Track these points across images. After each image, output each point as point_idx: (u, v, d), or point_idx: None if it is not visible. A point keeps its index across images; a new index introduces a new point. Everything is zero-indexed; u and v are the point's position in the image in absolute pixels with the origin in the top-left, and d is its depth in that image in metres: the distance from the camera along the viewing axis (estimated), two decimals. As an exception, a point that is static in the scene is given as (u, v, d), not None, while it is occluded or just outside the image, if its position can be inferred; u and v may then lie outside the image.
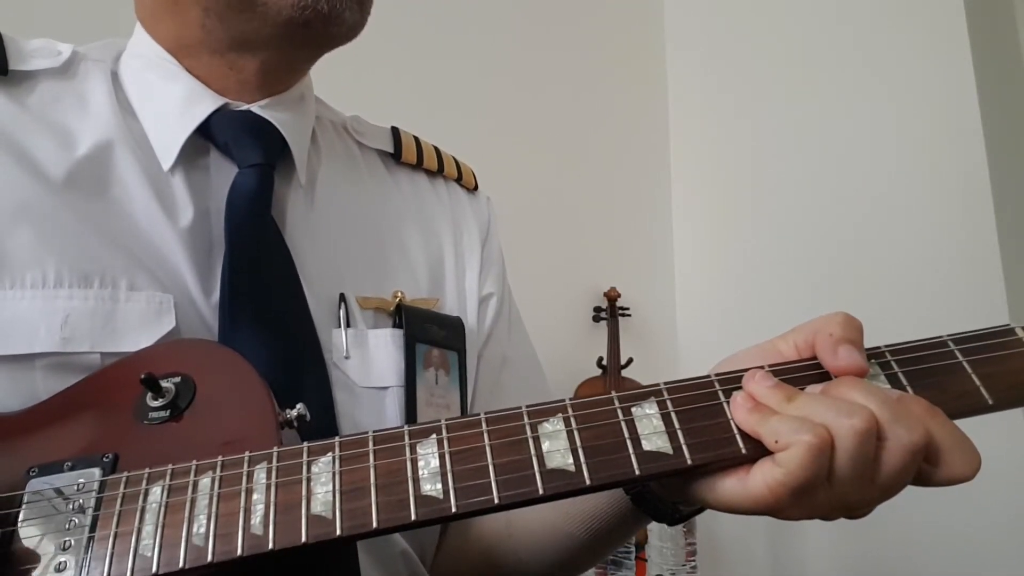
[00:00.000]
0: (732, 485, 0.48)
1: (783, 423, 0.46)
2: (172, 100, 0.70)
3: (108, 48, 0.74)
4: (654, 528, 1.96)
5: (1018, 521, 1.78)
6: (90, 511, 0.48)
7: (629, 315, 2.44)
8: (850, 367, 0.49)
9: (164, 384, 0.54)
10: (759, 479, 0.46)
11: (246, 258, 0.65)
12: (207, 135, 0.70)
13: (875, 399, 0.46)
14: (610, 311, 2.41)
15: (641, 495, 0.57)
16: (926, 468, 0.47)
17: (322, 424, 0.62)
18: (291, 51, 0.71)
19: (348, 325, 0.70)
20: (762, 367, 0.51)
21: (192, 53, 0.70)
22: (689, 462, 0.47)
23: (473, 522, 0.76)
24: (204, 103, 0.69)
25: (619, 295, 2.43)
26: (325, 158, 0.79)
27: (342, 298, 0.71)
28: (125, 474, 0.49)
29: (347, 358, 0.69)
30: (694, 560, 1.98)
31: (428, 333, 0.73)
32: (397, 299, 0.74)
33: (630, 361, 2.34)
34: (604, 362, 2.34)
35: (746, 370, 0.50)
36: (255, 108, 0.71)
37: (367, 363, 0.70)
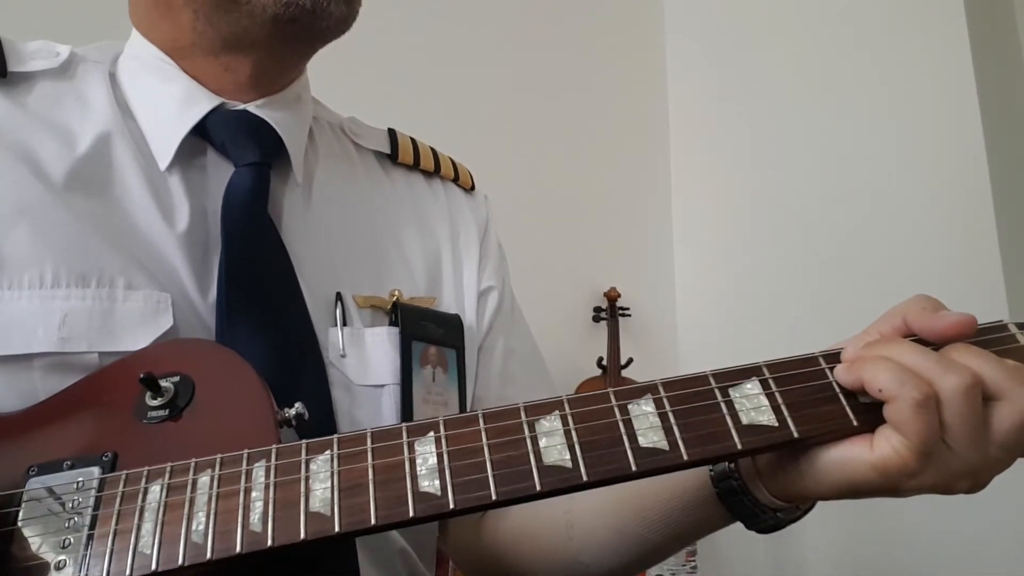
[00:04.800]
0: (858, 453, 0.48)
1: (887, 371, 0.47)
2: (169, 100, 0.70)
3: (106, 50, 0.74)
4: (654, 528, 1.95)
5: (1018, 522, 1.78)
6: (89, 510, 0.48)
7: (629, 315, 2.45)
8: (960, 323, 0.49)
9: (163, 383, 0.54)
10: (885, 446, 0.47)
11: (243, 257, 0.65)
12: (204, 135, 0.70)
13: (988, 361, 0.47)
14: (610, 311, 2.41)
15: (739, 503, 0.56)
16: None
17: (320, 423, 0.62)
18: (282, 49, 0.71)
19: (344, 324, 0.70)
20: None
21: (187, 55, 0.70)
22: (685, 458, 0.47)
23: (528, 522, 0.73)
24: (200, 103, 0.70)
25: (619, 295, 2.44)
26: (322, 158, 0.79)
27: (339, 297, 0.71)
28: (124, 473, 0.49)
29: (344, 356, 0.69)
30: (694, 560, 1.98)
31: (425, 331, 0.73)
32: (394, 298, 0.74)
33: (630, 361, 2.34)
34: (604, 362, 2.34)
35: (740, 367, 0.51)
36: (251, 108, 0.71)
37: (364, 361, 0.70)
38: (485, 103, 2.33)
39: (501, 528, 0.75)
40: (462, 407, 0.74)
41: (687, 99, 2.78)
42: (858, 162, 2.22)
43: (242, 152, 0.70)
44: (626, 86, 2.72)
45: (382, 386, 0.70)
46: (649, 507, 0.63)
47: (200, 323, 0.64)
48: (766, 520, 0.56)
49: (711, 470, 0.57)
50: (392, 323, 0.73)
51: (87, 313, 0.60)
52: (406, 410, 0.69)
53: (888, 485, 0.48)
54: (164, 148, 0.69)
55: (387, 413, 0.69)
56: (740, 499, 0.56)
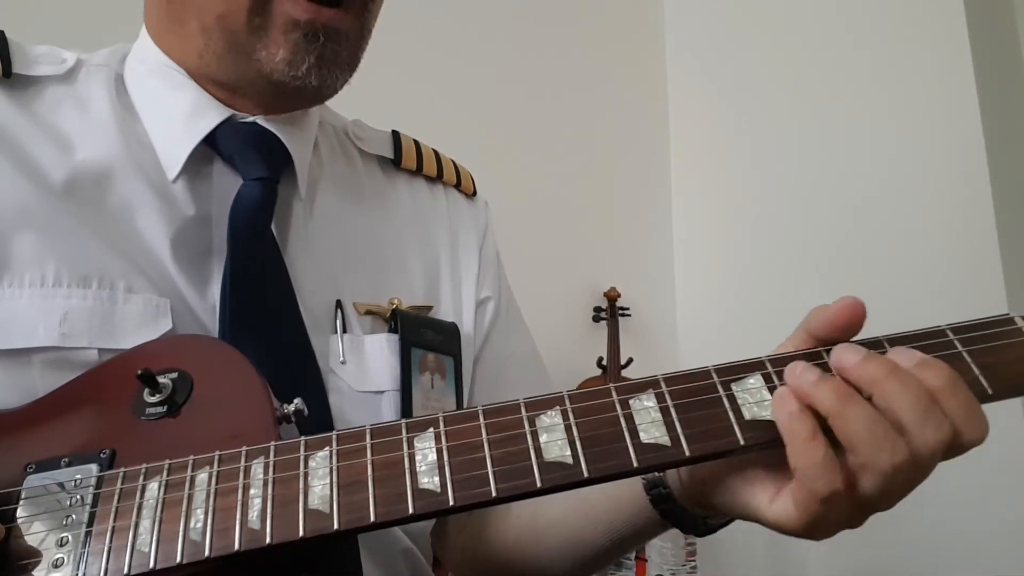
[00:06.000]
0: (756, 504, 0.49)
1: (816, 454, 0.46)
2: (178, 109, 0.70)
3: (114, 53, 0.75)
4: (654, 528, 1.95)
5: (1019, 521, 1.78)
6: (87, 507, 0.48)
7: (629, 315, 2.44)
8: (844, 306, 0.50)
9: (161, 380, 0.54)
10: (780, 509, 0.48)
11: (246, 272, 0.66)
12: (212, 145, 0.70)
13: (907, 398, 0.45)
14: (610, 311, 2.41)
15: (669, 510, 0.57)
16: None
17: (318, 427, 0.62)
18: (285, 102, 0.72)
19: (344, 331, 0.70)
20: (801, 358, 0.50)
21: (194, 71, 0.71)
22: (687, 453, 0.47)
23: (493, 527, 0.75)
24: (210, 115, 0.70)
25: (619, 295, 2.43)
26: (326, 167, 0.79)
27: (339, 305, 0.71)
28: (122, 470, 0.49)
29: (343, 363, 0.69)
30: (694, 560, 1.98)
31: (423, 338, 0.74)
32: (393, 305, 0.74)
33: (630, 361, 2.33)
34: (604, 362, 2.33)
35: (743, 362, 0.50)
36: (260, 120, 0.71)
37: (363, 368, 0.70)
38: (486, 104, 2.33)
39: (495, 531, 0.76)
40: None
41: (687, 99, 2.78)
42: (858, 162, 2.22)
43: (250, 166, 0.70)
44: (626, 87, 2.72)
45: (381, 392, 0.71)
46: (596, 513, 0.65)
47: (199, 327, 0.64)
48: (697, 526, 0.58)
49: (643, 478, 0.58)
50: (391, 330, 0.73)
51: (87, 312, 0.60)
52: (406, 416, 0.70)
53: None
54: (172, 158, 0.69)
55: (386, 419, 0.69)
56: (670, 507, 0.57)
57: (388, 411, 0.70)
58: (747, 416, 0.48)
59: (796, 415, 0.45)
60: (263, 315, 0.65)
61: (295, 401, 0.54)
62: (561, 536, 0.70)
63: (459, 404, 0.75)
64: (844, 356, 0.48)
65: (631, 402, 0.49)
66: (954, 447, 0.46)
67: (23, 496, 0.49)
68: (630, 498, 0.60)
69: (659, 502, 0.58)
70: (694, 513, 0.56)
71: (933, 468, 0.46)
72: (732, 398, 0.48)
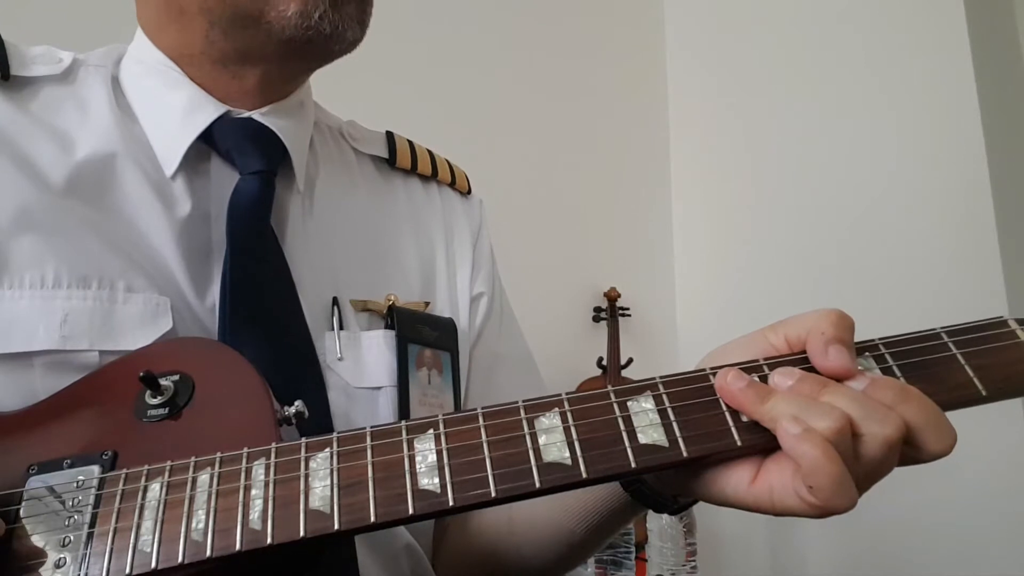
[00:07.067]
0: (736, 487, 0.48)
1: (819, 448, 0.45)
2: (174, 107, 0.70)
3: (109, 53, 0.75)
4: (654, 528, 1.95)
5: (1020, 521, 1.78)
6: (89, 508, 0.48)
7: (629, 315, 2.44)
8: (838, 369, 0.48)
9: (163, 382, 0.54)
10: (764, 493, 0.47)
11: (246, 266, 0.66)
12: (209, 141, 0.71)
13: (843, 398, 0.46)
14: (610, 311, 2.41)
15: (639, 491, 0.58)
16: (904, 450, 0.47)
17: (318, 425, 0.62)
18: (292, 64, 0.72)
19: (341, 328, 0.71)
20: (734, 365, 0.50)
21: (194, 62, 0.71)
22: (685, 455, 0.47)
23: (475, 520, 0.76)
24: (206, 111, 0.70)
25: (619, 295, 2.43)
26: (322, 164, 0.79)
27: (335, 301, 0.72)
28: (124, 471, 0.49)
29: (340, 360, 0.70)
30: (694, 560, 1.98)
31: (420, 334, 0.74)
32: (390, 302, 0.75)
33: (630, 361, 2.34)
34: (604, 362, 2.34)
35: (741, 364, 0.50)
36: (256, 115, 0.72)
37: (360, 365, 0.71)
38: (485, 104, 2.33)
39: (450, 524, 0.77)
40: (457, 409, 0.74)
41: (687, 99, 2.78)
42: (858, 162, 2.22)
43: (248, 160, 0.70)
44: (626, 86, 2.72)
45: (379, 388, 0.71)
46: (569, 499, 0.65)
47: (199, 326, 0.64)
48: (668, 505, 0.58)
49: None
50: (388, 327, 0.74)
51: (88, 313, 0.60)
52: (403, 412, 0.70)
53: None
54: (170, 155, 0.69)
55: (384, 415, 0.70)
56: (639, 488, 0.57)
57: (385, 407, 0.70)
58: (744, 418, 0.48)
59: (802, 436, 0.45)
60: (264, 312, 0.65)
61: (296, 403, 0.54)
62: (539, 526, 0.70)
63: (457, 399, 0.75)
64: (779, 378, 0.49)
65: (629, 404, 0.49)
66: (909, 443, 0.47)
67: (25, 497, 0.49)
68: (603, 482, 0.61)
69: (629, 483, 0.58)
70: (663, 493, 0.56)
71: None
72: None
